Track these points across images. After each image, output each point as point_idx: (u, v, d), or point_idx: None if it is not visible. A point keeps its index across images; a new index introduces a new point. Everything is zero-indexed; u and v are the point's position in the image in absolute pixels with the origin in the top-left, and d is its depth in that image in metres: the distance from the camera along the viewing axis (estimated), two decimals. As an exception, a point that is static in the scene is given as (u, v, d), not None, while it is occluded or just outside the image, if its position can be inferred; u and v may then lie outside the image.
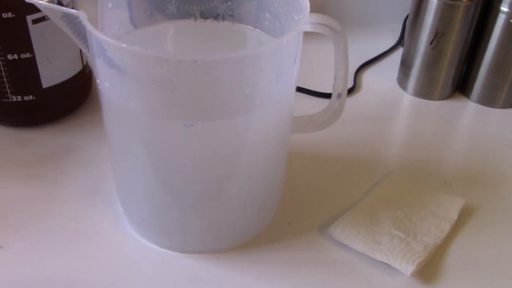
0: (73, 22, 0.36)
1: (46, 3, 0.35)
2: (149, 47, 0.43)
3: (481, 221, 0.46)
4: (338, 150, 0.53)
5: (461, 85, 0.62)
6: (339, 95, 0.43)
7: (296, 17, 0.38)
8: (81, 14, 0.34)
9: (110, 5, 0.39)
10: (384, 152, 0.53)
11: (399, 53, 0.68)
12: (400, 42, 0.71)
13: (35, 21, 0.47)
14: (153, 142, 0.36)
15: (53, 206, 0.45)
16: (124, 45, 0.31)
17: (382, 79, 0.65)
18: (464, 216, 0.46)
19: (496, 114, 0.60)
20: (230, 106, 0.34)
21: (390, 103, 0.61)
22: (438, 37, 0.56)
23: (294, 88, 0.39)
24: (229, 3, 0.43)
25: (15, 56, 0.48)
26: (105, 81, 0.35)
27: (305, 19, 0.36)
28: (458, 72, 0.60)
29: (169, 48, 0.45)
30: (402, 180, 0.49)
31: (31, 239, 0.42)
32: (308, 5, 0.37)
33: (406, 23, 0.71)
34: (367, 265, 0.41)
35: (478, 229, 0.45)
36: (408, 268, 0.40)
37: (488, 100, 0.60)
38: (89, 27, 0.33)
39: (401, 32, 0.72)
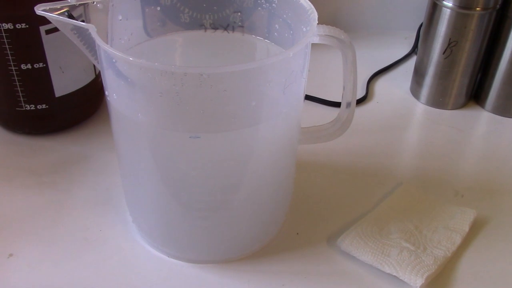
0: (83, 34, 0.36)
1: (57, 16, 0.36)
2: (159, 58, 0.44)
3: (493, 234, 0.45)
4: (349, 159, 0.53)
5: (475, 94, 0.61)
6: (348, 105, 0.42)
7: (304, 29, 0.38)
8: (90, 27, 0.34)
9: (120, 17, 0.40)
10: (395, 162, 0.53)
11: (412, 61, 0.68)
12: (414, 51, 0.70)
13: (48, 32, 0.48)
14: (160, 153, 0.36)
15: (63, 214, 0.46)
16: (131, 58, 0.31)
17: (395, 87, 0.64)
18: (476, 228, 0.45)
19: (511, 124, 0.59)
20: (236, 118, 0.34)
21: (403, 112, 0.61)
22: (451, 46, 0.56)
23: (302, 100, 0.39)
24: (239, 14, 0.43)
25: (29, 66, 0.48)
26: (114, 93, 0.35)
27: (313, 31, 0.36)
28: (472, 82, 0.59)
29: (179, 59, 0.45)
30: (413, 191, 0.48)
31: (41, 247, 0.43)
32: (316, 17, 0.37)
33: (420, 31, 0.71)
34: (375, 278, 0.41)
35: (489, 242, 0.44)
36: (417, 281, 0.39)
37: (503, 109, 0.59)
38: (98, 40, 0.33)
39: (415, 41, 0.72)
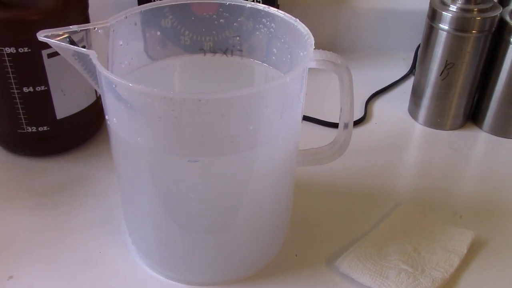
0: (84, 59, 0.37)
1: (58, 42, 0.36)
2: (159, 81, 0.45)
3: (491, 255, 0.45)
4: (347, 181, 0.53)
5: (473, 115, 0.62)
6: (345, 126, 0.43)
7: (302, 53, 0.39)
8: (91, 53, 0.35)
9: (120, 42, 0.40)
10: (393, 183, 0.53)
11: (410, 82, 0.68)
12: (411, 71, 0.71)
13: (50, 55, 0.48)
14: (160, 176, 0.37)
15: (64, 236, 0.46)
16: (130, 84, 0.32)
17: (394, 108, 0.65)
18: (474, 250, 0.45)
19: (509, 145, 0.59)
20: (234, 142, 0.35)
21: (401, 133, 0.61)
22: (448, 68, 0.57)
23: (299, 123, 0.39)
24: (238, 38, 0.44)
25: (31, 89, 0.49)
26: (114, 117, 0.36)
27: (310, 56, 0.36)
28: (469, 103, 0.60)
29: (179, 82, 0.46)
30: (412, 212, 0.48)
31: (41, 269, 0.43)
32: (313, 42, 0.37)
33: (418, 53, 0.71)
34: (374, 300, 0.41)
35: (488, 264, 0.44)
36: (415, 303, 0.40)
37: (500, 130, 0.60)
38: (98, 66, 0.34)
39: (413, 61, 0.72)
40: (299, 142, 0.41)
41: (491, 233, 0.47)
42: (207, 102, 0.32)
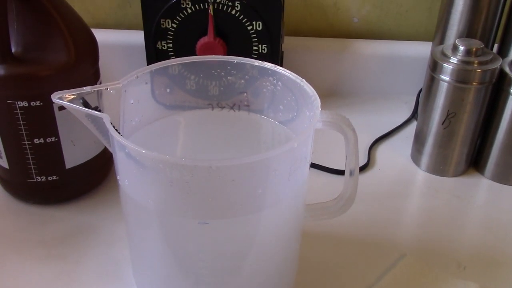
0: (96, 121, 0.38)
1: (72, 104, 0.38)
2: (169, 136, 0.46)
3: (496, 309, 0.46)
4: (351, 229, 0.53)
5: (475, 162, 0.63)
6: (351, 178, 0.43)
7: (308, 113, 0.40)
8: (104, 117, 0.36)
9: (131, 101, 0.41)
10: (397, 233, 0.54)
11: (413, 126, 0.70)
12: (414, 116, 0.72)
13: (61, 108, 0.49)
14: (169, 237, 0.37)
15: (71, 287, 0.46)
16: (143, 151, 0.33)
17: (396, 154, 0.66)
18: (479, 303, 0.46)
19: (511, 192, 0.60)
20: (243, 205, 0.36)
21: (404, 179, 0.62)
22: (450, 118, 0.58)
23: (306, 182, 0.40)
24: (245, 94, 0.45)
25: (41, 140, 0.50)
26: (125, 179, 0.37)
27: (317, 118, 0.37)
28: (471, 150, 0.61)
29: (188, 137, 0.47)
30: (416, 264, 0.49)
31: (50, 324, 0.43)
32: (319, 104, 0.38)
33: (419, 98, 0.73)
34: None
35: (493, 318, 0.45)
36: None
37: (502, 177, 0.60)
38: (111, 130, 0.35)
39: (414, 105, 0.74)
40: (305, 199, 0.42)
41: (496, 284, 0.47)
42: (217, 168, 0.33)
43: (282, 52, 0.68)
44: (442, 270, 0.49)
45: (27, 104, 0.48)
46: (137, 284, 0.45)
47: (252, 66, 0.44)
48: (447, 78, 0.56)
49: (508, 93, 0.56)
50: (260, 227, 0.37)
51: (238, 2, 0.61)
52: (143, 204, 0.36)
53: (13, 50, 0.47)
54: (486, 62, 0.55)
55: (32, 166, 0.52)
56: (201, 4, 0.61)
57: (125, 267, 0.48)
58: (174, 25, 0.63)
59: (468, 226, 0.56)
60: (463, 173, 0.62)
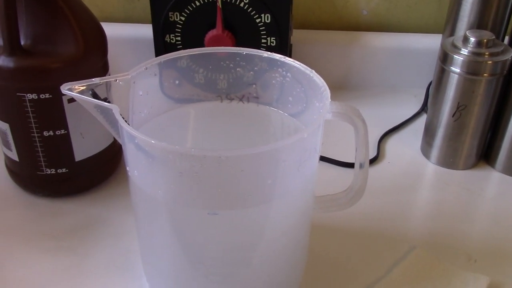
0: (105, 112, 0.38)
1: (81, 95, 0.38)
2: (178, 128, 0.46)
3: (507, 302, 0.45)
4: (361, 222, 0.53)
5: (486, 154, 0.62)
6: (360, 170, 0.43)
7: (317, 104, 0.40)
8: (113, 107, 0.36)
9: (140, 93, 0.41)
10: (407, 225, 0.54)
11: (422, 119, 0.69)
12: (423, 109, 0.72)
13: (70, 100, 0.50)
14: (179, 228, 0.37)
15: (81, 279, 0.46)
16: (153, 141, 0.33)
17: (406, 147, 0.65)
18: (490, 295, 0.45)
19: (522, 185, 0.59)
20: (252, 196, 0.36)
21: (414, 172, 0.62)
22: (460, 110, 0.57)
23: (316, 173, 0.40)
24: (254, 86, 0.45)
25: (51, 133, 0.50)
26: (135, 170, 0.37)
27: (326, 109, 0.37)
28: (481, 143, 0.60)
29: (197, 129, 0.47)
30: (426, 256, 0.49)
31: (60, 315, 0.43)
32: (329, 95, 0.38)
33: (429, 90, 0.72)
34: None
35: (504, 311, 0.44)
36: None
37: (513, 170, 0.60)
38: (120, 121, 0.35)
39: (424, 99, 0.73)
40: (314, 190, 0.41)
41: (506, 278, 0.47)
42: (227, 158, 0.33)
43: (291, 45, 0.68)
44: (452, 263, 0.48)
45: (36, 97, 0.48)
46: (146, 275, 0.45)
47: (261, 58, 0.44)
48: (457, 70, 0.56)
49: (519, 85, 0.56)
50: (270, 218, 0.37)
51: (247, -6, 0.60)
52: (153, 195, 0.36)
53: (22, 43, 0.47)
54: (497, 54, 0.55)
55: (42, 159, 0.52)
56: (210, -3, 0.61)
57: (134, 259, 0.48)
58: (183, 18, 0.63)
59: (479, 219, 0.55)
60: (473, 166, 0.62)
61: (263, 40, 0.64)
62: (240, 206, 0.35)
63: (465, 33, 0.56)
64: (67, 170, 0.53)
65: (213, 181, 0.35)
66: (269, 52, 0.43)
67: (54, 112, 0.50)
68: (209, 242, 0.37)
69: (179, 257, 0.39)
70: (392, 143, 0.66)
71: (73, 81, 0.38)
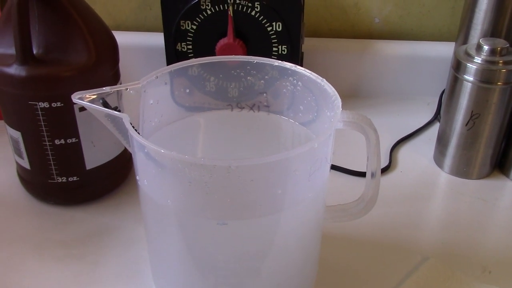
0: (116, 121, 0.38)
1: (92, 104, 0.38)
2: (188, 137, 0.45)
3: (522, 315, 0.44)
4: (373, 232, 0.53)
5: (500, 164, 0.61)
6: (372, 181, 0.43)
7: (328, 113, 0.39)
8: (124, 117, 0.36)
9: (151, 101, 0.41)
10: (420, 235, 0.53)
11: (435, 128, 0.68)
12: (436, 117, 0.71)
13: (81, 109, 0.50)
14: (188, 237, 0.37)
15: (91, 288, 0.46)
16: (163, 151, 0.33)
17: (419, 156, 0.65)
18: (504, 308, 0.44)
19: (537, 195, 0.58)
20: (262, 206, 0.35)
21: (427, 181, 0.61)
22: (473, 119, 0.57)
23: (326, 182, 0.39)
24: (265, 95, 0.45)
25: (62, 141, 0.50)
26: (144, 179, 0.37)
27: (337, 118, 0.37)
28: (496, 152, 0.59)
29: (207, 138, 0.47)
30: (439, 268, 0.48)
31: (69, 324, 0.43)
32: (340, 104, 0.38)
33: (442, 99, 0.72)
34: None
35: (519, 324, 0.44)
36: None
37: (528, 180, 0.59)
38: (131, 130, 0.35)
39: (437, 107, 0.72)
40: (325, 199, 0.41)
41: (521, 290, 0.46)
42: (236, 168, 0.32)
43: (302, 53, 0.68)
44: (466, 274, 0.47)
45: (48, 105, 0.48)
46: (156, 285, 0.45)
47: (272, 66, 0.43)
48: (471, 78, 0.55)
49: (534, 94, 0.55)
50: (280, 228, 0.36)
51: (258, 2, 0.60)
52: (162, 204, 0.36)
53: (34, 52, 0.48)
54: (511, 62, 0.54)
55: (53, 167, 0.52)
56: (221, 6, 0.61)
57: (144, 267, 0.47)
58: (194, 27, 0.63)
59: (493, 229, 0.54)
60: (487, 175, 0.61)
61: (275, 49, 0.63)
62: (250, 216, 0.35)
63: (479, 41, 0.55)
64: (78, 179, 0.53)
65: (222, 191, 0.34)
66: (280, 61, 0.43)
67: (65, 120, 0.50)
68: (219, 251, 0.37)
69: (188, 266, 0.39)
70: (404, 152, 0.65)
71: (85, 89, 0.39)
